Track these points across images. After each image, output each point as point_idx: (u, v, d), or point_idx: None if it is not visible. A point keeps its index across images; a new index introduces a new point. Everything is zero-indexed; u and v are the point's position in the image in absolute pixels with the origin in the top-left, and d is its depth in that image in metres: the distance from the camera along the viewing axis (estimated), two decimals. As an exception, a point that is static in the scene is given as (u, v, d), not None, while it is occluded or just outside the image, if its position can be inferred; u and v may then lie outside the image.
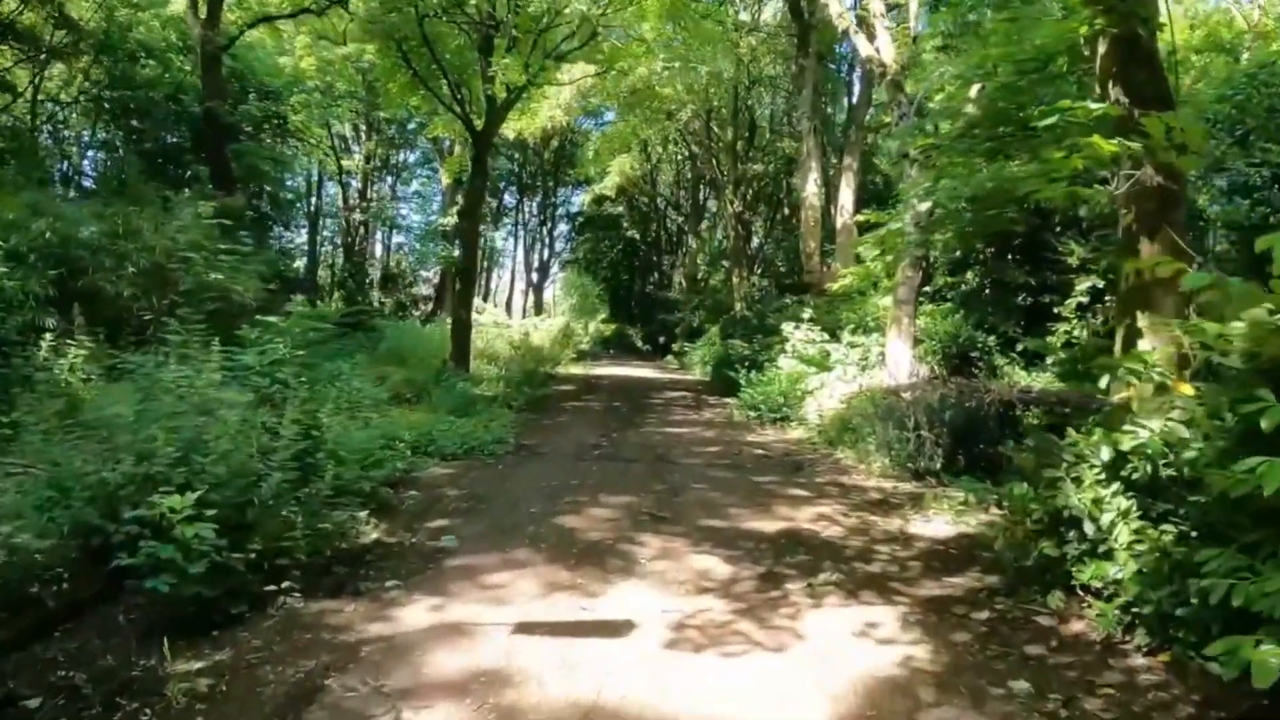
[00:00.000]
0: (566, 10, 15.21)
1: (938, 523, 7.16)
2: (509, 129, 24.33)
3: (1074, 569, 5.22)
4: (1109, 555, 5.10)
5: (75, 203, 13.38)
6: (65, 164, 23.26)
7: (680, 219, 40.99)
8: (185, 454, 5.04)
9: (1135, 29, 6.60)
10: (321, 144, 29.89)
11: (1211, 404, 4.59)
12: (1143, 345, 6.51)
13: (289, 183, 31.94)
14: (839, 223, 19.99)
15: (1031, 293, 12.75)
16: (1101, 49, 6.96)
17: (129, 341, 9.66)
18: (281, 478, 5.11)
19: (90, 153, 24.00)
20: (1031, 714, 3.78)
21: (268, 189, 23.28)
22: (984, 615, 5.04)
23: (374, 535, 6.20)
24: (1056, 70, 8.06)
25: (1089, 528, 5.10)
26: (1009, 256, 13.32)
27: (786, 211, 32.31)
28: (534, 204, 47.79)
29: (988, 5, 11.15)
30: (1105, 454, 5.11)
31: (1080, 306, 11.65)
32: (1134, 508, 4.97)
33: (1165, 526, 4.77)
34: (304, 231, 32.84)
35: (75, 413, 6.07)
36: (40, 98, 20.69)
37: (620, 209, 43.91)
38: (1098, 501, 5.14)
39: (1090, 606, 5.13)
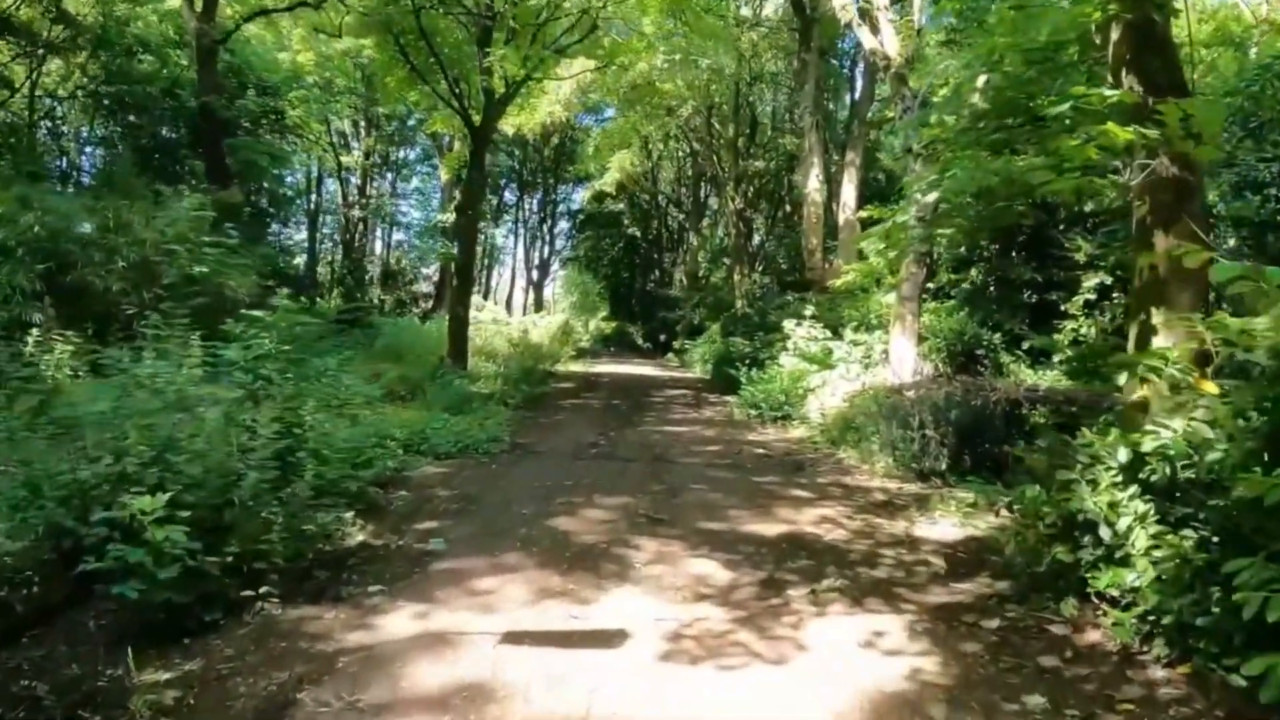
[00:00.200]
0: (566, 3, 15.01)
1: (944, 525, 6.93)
2: (508, 125, 24.12)
3: (1089, 575, 5.00)
4: (1126, 561, 4.88)
5: (66, 197, 13.17)
6: (64, 160, 23.12)
7: (681, 216, 40.77)
8: (159, 453, 4.82)
9: (1150, 15, 6.38)
10: (320, 140, 29.71)
11: (1237, 403, 4.38)
12: (1158, 342, 6.28)
13: (289, 179, 31.87)
14: (841, 219, 19.77)
15: (1037, 290, 12.54)
16: (1115, 35, 6.74)
17: (117, 337, 9.48)
18: (259, 478, 4.88)
19: (89, 149, 23.90)
20: (1049, 732, 3.56)
21: (265, 184, 23.14)
22: (994, 623, 4.81)
23: (360, 537, 5.97)
24: (1067, 59, 7.83)
25: (1105, 532, 4.87)
26: (1014, 253, 13.11)
27: (788, 208, 32.09)
28: (534, 201, 47.60)
29: (991, -3, 10.92)
30: (1123, 455, 4.89)
31: (1088, 303, 11.44)
32: (1152, 511, 4.76)
33: (1185, 532, 4.55)
34: (304, 228, 32.72)
35: (48, 409, 5.86)
36: (38, 93, 20.59)
37: (621, 206, 43.72)
38: (1114, 505, 4.91)
39: (1105, 614, 4.91)
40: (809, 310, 15.56)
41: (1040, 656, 4.41)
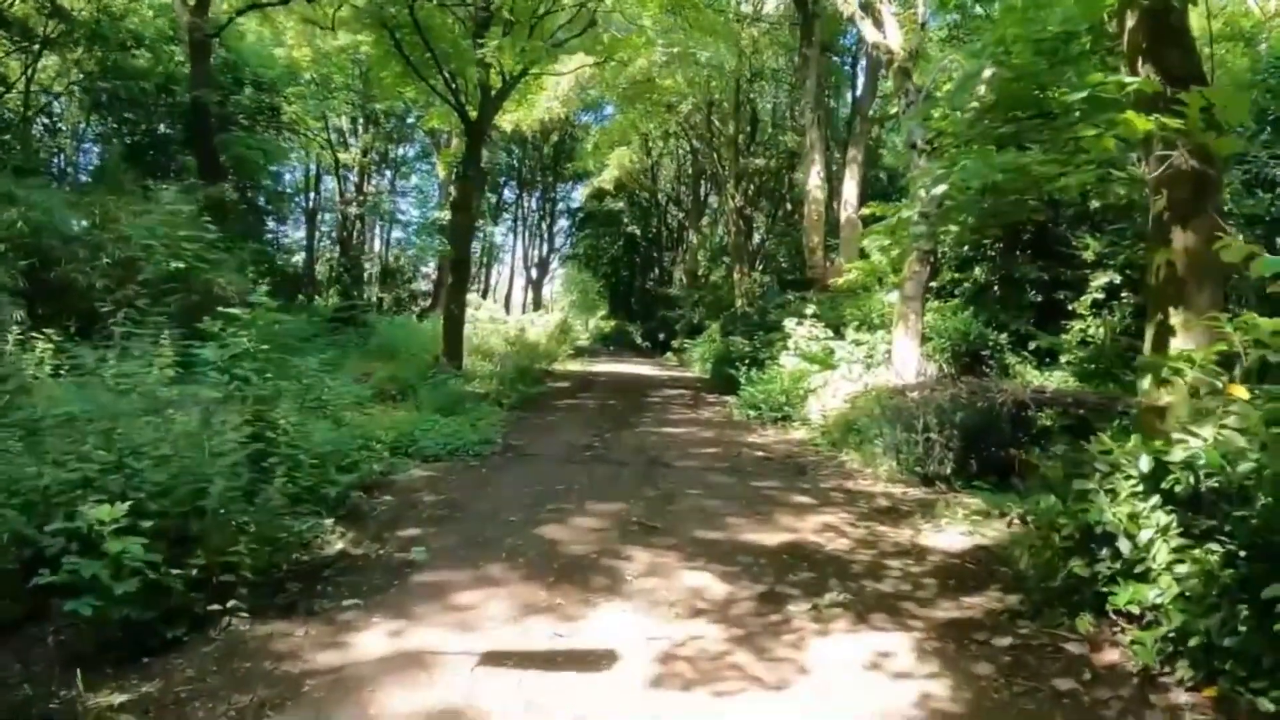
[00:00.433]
0: (564, -3, 14.80)
1: (951, 533, 6.65)
2: (506, 121, 23.84)
3: (1107, 590, 4.73)
4: (1146, 576, 4.60)
5: (50, 192, 12.89)
6: (60, 157, 22.89)
7: (681, 215, 40.48)
8: (121, 458, 4.54)
9: (1167, 2, 6.11)
10: (318, 137, 29.42)
11: (1271, 410, 4.10)
12: (1176, 343, 6.03)
13: (286, 176, 31.63)
14: (842, 217, 19.48)
15: (1043, 289, 12.25)
16: (1130, 23, 6.47)
17: (100, 335, 9.22)
18: (226, 485, 4.59)
19: (86, 145, 23.68)
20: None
21: (258, 181, 22.86)
22: (1007, 642, 4.52)
23: (339, 545, 5.68)
24: (1079, 48, 7.55)
25: (1124, 545, 4.60)
26: (1018, 251, 12.81)
27: (788, 207, 31.82)
28: (534, 199, 47.33)
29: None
30: (1145, 464, 4.60)
31: (1096, 303, 11.15)
32: (1174, 523, 4.49)
33: (1211, 546, 4.28)
34: (303, 226, 32.40)
35: (14, 410, 5.57)
36: (33, 89, 20.38)
37: (621, 205, 43.46)
38: (1134, 516, 4.64)
39: (1123, 632, 4.63)
40: (810, 309, 15.26)
41: (1056, 679, 4.13)
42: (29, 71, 19.88)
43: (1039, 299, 12.38)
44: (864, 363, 12.82)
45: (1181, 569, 4.30)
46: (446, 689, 3.67)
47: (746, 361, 15.74)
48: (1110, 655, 4.46)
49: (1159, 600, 4.33)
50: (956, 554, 6.08)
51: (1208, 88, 5.63)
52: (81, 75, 20.86)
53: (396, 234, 37.74)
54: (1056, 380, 10.85)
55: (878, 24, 13.53)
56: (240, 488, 4.82)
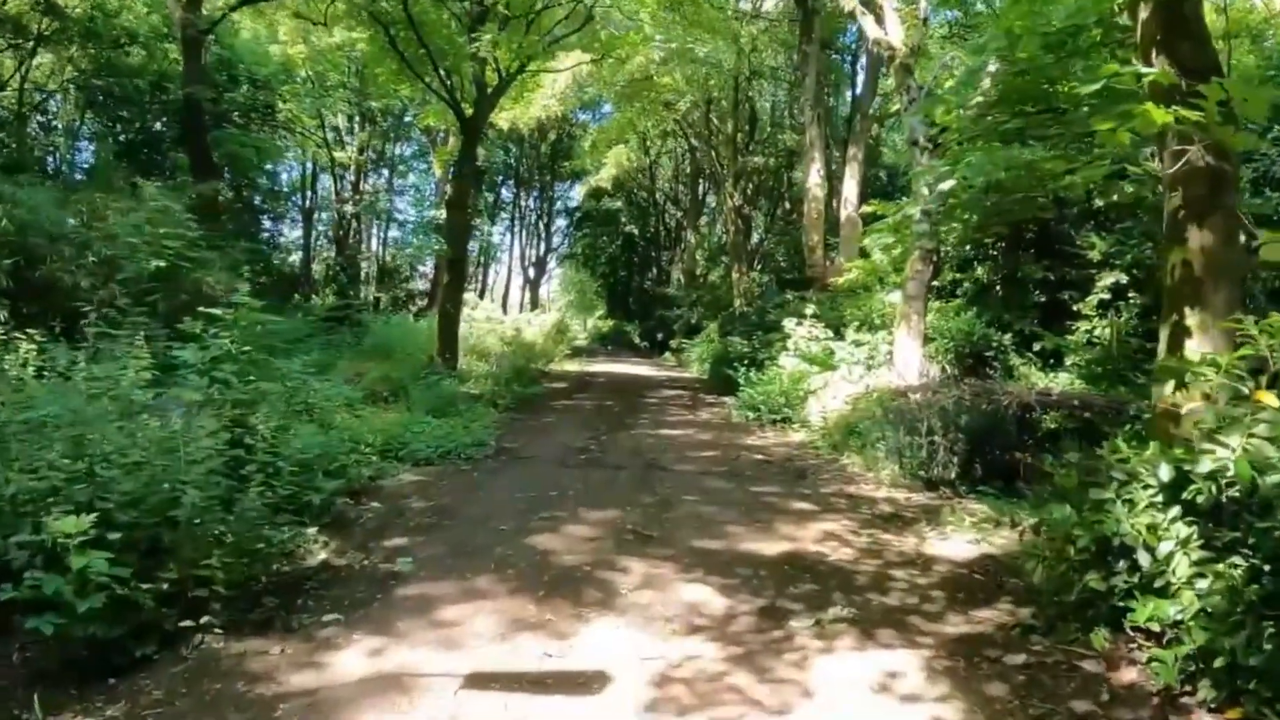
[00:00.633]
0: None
1: (957, 541, 6.42)
2: (503, 119, 23.68)
3: (1123, 605, 4.51)
4: (1166, 591, 4.39)
5: (37, 190, 12.64)
6: (55, 155, 22.66)
7: (679, 214, 40.25)
8: (90, 466, 4.31)
9: (1181, -8, 5.90)
10: (313, 135, 29.17)
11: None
12: (1192, 345, 5.83)
13: (282, 175, 31.39)
14: (843, 215, 19.28)
15: (1047, 289, 12.03)
16: (1143, 15, 6.24)
17: (85, 335, 8.98)
18: (199, 494, 4.36)
19: (82, 143, 23.48)
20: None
21: (251, 178, 22.64)
22: (1020, 659, 4.31)
23: (321, 555, 5.46)
24: (1089, 41, 7.35)
25: (1144, 558, 4.38)
26: (1022, 250, 12.59)
27: (787, 206, 31.63)
28: (531, 198, 47.06)
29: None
30: (1165, 473, 4.39)
31: (1102, 304, 10.92)
32: (1195, 535, 4.27)
33: (1234, 559, 4.07)
34: (300, 225, 32.12)
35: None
36: (27, 86, 20.20)
37: (619, 204, 43.24)
38: (1153, 528, 4.42)
39: (1141, 648, 4.42)
40: (810, 308, 15.03)
41: (1073, 700, 3.92)
42: (24, 69, 19.68)
43: (1042, 299, 12.17)
44: (865, 364, 12.61)
45: (1203, 584, 4.09)
46: (427, 715, 3.45)
47: (745, 362, 15.51)
48: (1128, 674, 4.25)
49: (1180, 617, 4.12)
50: (964, 564, 5.86)
51: (1217, 83, 5.44)
52: (76, 73, 20.72)
53: (394, 233, 37.50)
54: (1062, 382, 10.64)
55: (879, 20, 13.30)
56: (216, 496, 4.59)
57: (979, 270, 13.30)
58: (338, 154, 30.98)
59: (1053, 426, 9.46)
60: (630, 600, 4.83)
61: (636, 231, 45.26)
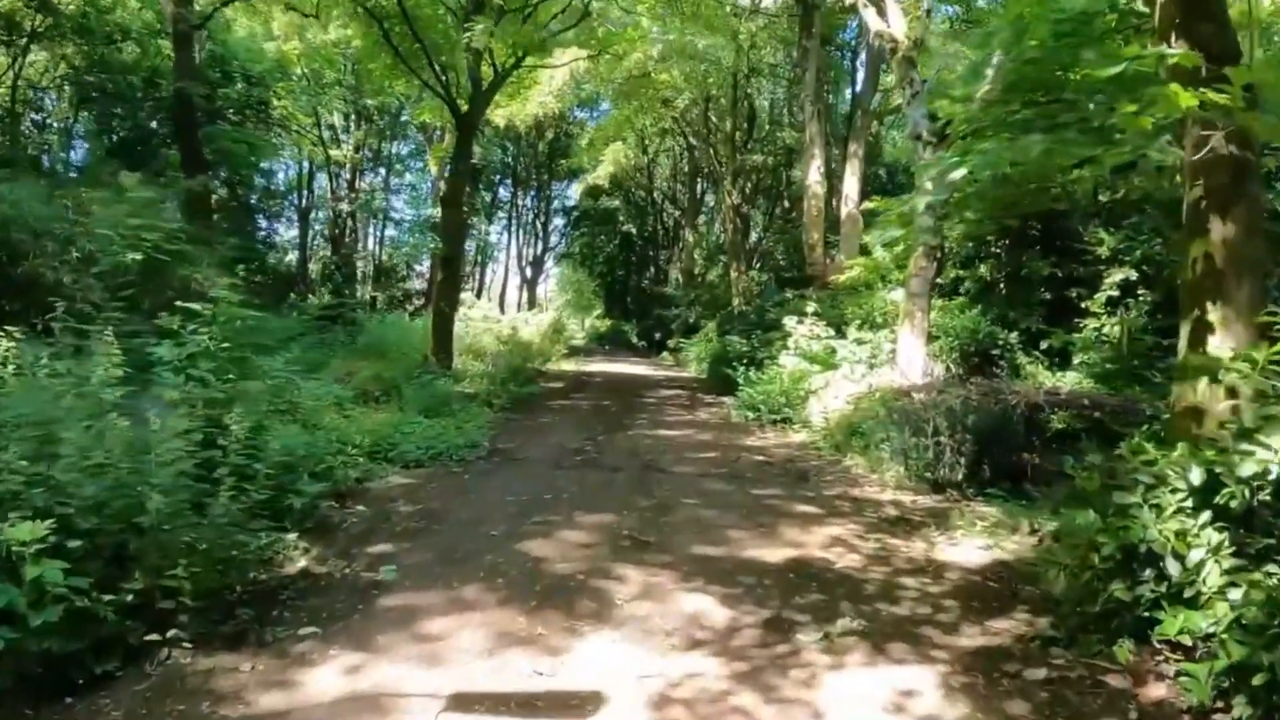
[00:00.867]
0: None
1: (967, 546, 6.16)
2: (499, 115, 23.42)
3: (1149, 616, 4.25)
4: (1195, 601, 4.14)
5: (21, 184, 12.35)
6: (49, 153, 22.40)
7: (677, 213, 39.98)
8: (48, 470, 4.03)
9: (1203, -28, 5.66)
10: (309, 133, 28.89)
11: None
12: (1214, 341, 5.58)
13: (278, 174, 31.12)
14: (843, 212, 19.02)
15: (1053, 285, 11.76)
16: (1161, -1, 6.00)
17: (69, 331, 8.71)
18: (166, 499, 4.09)
19: (77, 140, 23.19)
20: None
21: (243, 175, 22.36)
22: (1041, 674, 4.04)
23: (301, 563, 5.18)
24: (1104, 26, 7.08)
25: (1173, 567, 4.12)
26: (1025, 246, 12.32)
27: (786, 204, 31.38)
28: (528, 197, 46.75)
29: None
30: (1196, 476, 4.14)
31: (1111, 300, 10.66)
32: (1226, 542, 4.02)
33: (1269, 568, 3.82)
34: (296, 224, 31.90)
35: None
36: (20, 83, 19.98)
37: (616, 203, 42.97)
38: (1182, 534, 4.17)
39: (1168, 661, 4.17)
40: (811, 307, 14.75)
41: (1100, 718, 3.65)
42: (17, 66, 19.46)
43: (1047, 296, 11.91)
44: (867, 363, 12.34)
45: (1236, 594, 3.85)
46: (405, 740, 3.18)
47: (744, 361, 15.23)
48: (1156, 690, 4.00)
49: (1213, 630, 3.87)
50: (976, 570, 5.59)
51: (1244, 66, 5.19)
52: (69, 70, 20.53)
53: (390, 232, 37.25)
54: (1070, 381, 10.38)
55: (880, 12, 13.03)
56: (185, 501, 4.31)
57: (982, 267, 13.04)
58: (334, 152, 30.72)
59: (1061, 427, 9.22)
60: (627, 612, 4.54)
61: (634, 230, 44.98)
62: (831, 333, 14.12)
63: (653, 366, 27.47)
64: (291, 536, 5.39)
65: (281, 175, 32.16)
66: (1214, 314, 5.55)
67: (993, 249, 13.13)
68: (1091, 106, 6.20)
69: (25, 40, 18.69)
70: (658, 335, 35.33)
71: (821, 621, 4.47)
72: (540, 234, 47.90)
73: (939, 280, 12.86)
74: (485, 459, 9.01)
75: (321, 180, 33.02)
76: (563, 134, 39.09)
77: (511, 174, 43.09)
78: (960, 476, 8.05)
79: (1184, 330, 5.79)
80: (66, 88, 21.48)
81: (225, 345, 5.78)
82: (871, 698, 3.67)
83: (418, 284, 35.10)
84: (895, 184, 23.95)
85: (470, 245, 38.22)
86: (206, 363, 5.54)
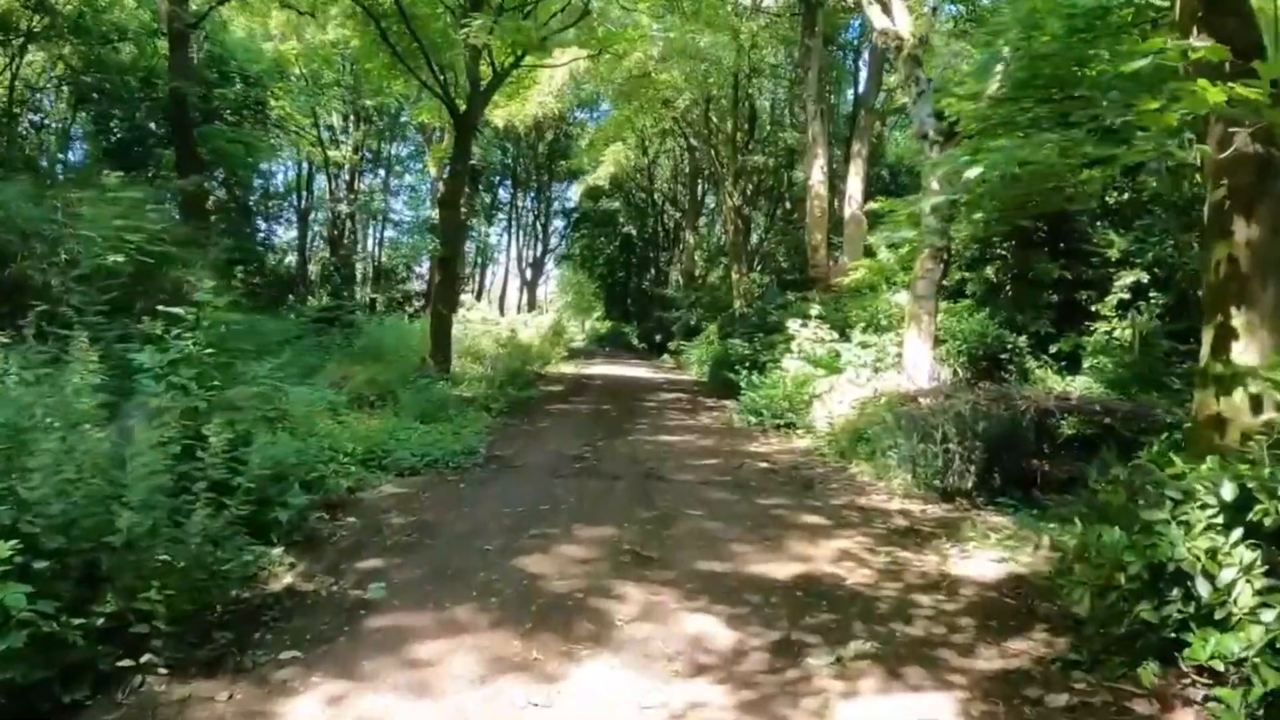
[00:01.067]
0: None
1: (980, 559, 5.93)
2: (498, 116, 23.22)
3: (1176, 637, 4.04)
4: (1226, 623, 3.92)
5: (8, 185, 12.14)
6: (46, 154, 22.24)
7: (678, 214, 39.77)
8: (10, 486, 3.81)
9: (1225, -37, 5.45)
10: (307, 134, 28.70)
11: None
12: (1239, 348, 5.37)
13: (279, 176, 30.95)
14: (846, 213, 18.81)
15: (1061, 288, 11.55)
16: (1183, -10, 5.79)
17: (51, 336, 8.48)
18: (137, 516, 3.87)
19: (76, 142, 23.06)
20: None
21: (241, 176, 22.19)
22: (1064, 700, 3.82)
23: (287, 579, 4.95)
24: (1119, 21, 6.87)
25: (1203, 588, 3.90)
26: (1032, 248, 12.09)
27: (788, 205, 31.16)
28: (528, 199, 46.55)
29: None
30: (1228, 491, 3.92)
31: (1122, 304, 10.45)
32: (1259, 561, 3.81)
33: (1305, 589, 3.60)
34: (295, 226, 31.72)
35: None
36: (18, 84, 19.85)
37: (617, 204, 42.76)
38: (1213, 553, 3.95)
39: (1195, 684, 3.95)
40: (815, 309, 14.53)
41: (1128, 751, 3.44)
42: (14, 66, 19.33)
43: (1055, 299, 11.70)
44: (872, 366, 12.11)
45: (1269, 615, 3.63)
46: (389, 781, 2.96)
47: (746, 364, 15.01)
48: (1184, 716, 3.79)
49: (1245, 654, 3.65)
50: (991, 585, 5.36)
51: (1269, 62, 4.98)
52: (67, 70, 20.40)
53: (390, 234, 37.06)
54: (1079, 386, 10.17)
55: (886, 9, 12.81)
56: (162, 517, 4.09)
57: (988, 269, 12.83)
58: (332, 153, 30.53)
59: (1071, 433, 9.01)
60: (627, 634, 4.30)
61: (635, 232, 44.76)
62: (835, 336, 13.91)
63: (653, 369, 27.24)
64: (277, 551, 5.17)
65: (281, 177, 32.08)
66: (1238, 319, 5.35)
67: (998, 250, 12.93)
68: (1105, 104, 6.02)
69: (21, 40, 18.57)
70: (658, 337, 35.11)
71: (833, 643, 4.24)
72: (540, 235, 47.74)
73: (943, 282, 12.66)
74: (482, 466, 8.77)
75: (321, 182, 32.87)
76: (563, 135, 38.91)
77: (511, 175, 42.92)
78: (970, 485, 7.84)
79: (1206, 336, 5.58)
80: (64, 88, 21.40)
81: (209, 351, 5.54)
82: (887, 729, 3.45)
83: (418, 286, 34.92)
84: (898, 185, 23.74)
85: (470, 247, 38.09)
86: (188, 369, 5.31)
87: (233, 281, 21.01)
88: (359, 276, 32.94)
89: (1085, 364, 10.59)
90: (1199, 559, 3.93)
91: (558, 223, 49.55)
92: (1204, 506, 4.06)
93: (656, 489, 7.92)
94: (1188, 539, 4.00)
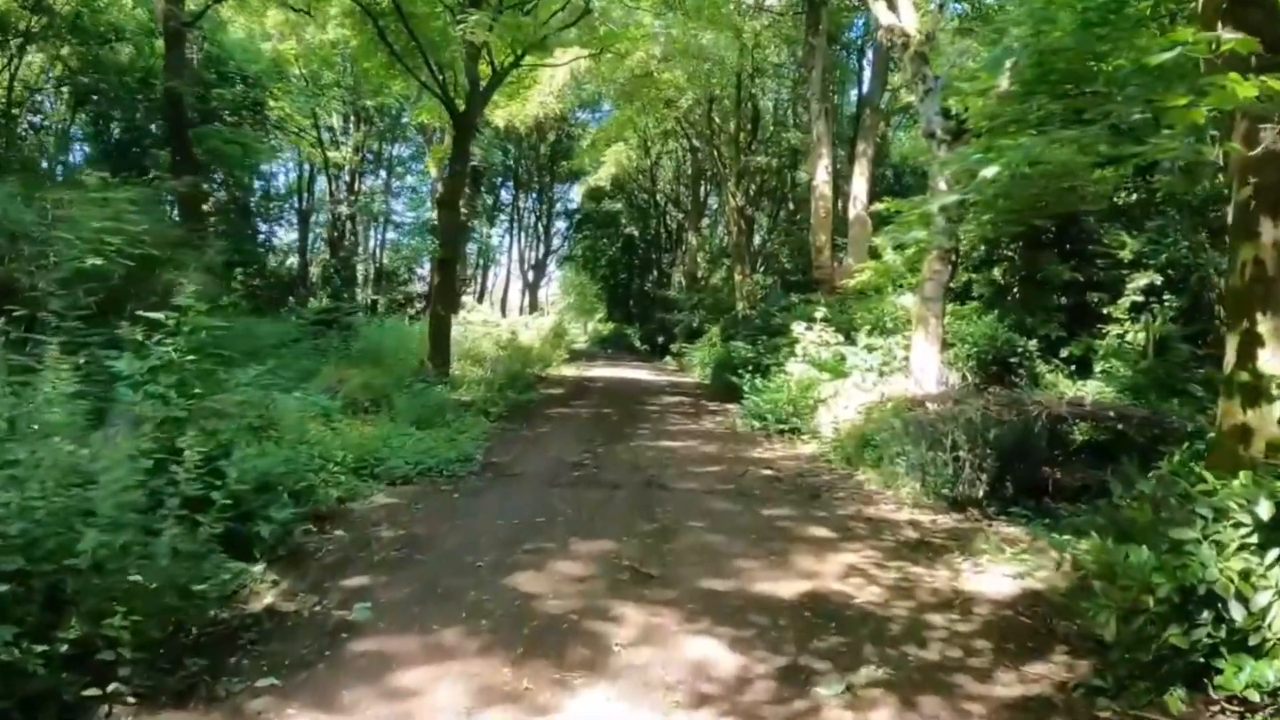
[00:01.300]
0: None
1: (994, 574, 5.69)
2: (499, 116, 23.02)
3: (1206, 662, 3.81)
4: (1261, 649, 3.70)
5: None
6: (46, 154, 22.09)
7: (680, 215, 39.54)
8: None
9: (1251, -48, 5.22)
10: (307, 135, 28.52)
11: None
12: (1265, 355, 5.14)
13: (280, 178, 30.78)
14: (851, 213, 18.56)
15: (1071, 290, 11.28)
16: (1206, -19, 5.56)
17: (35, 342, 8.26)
18: (102, 536, 3.64)
19: (77, 144, 22.95)
20: None
21: (238, 176, 22.03)
22: (1089, 731, 3.59)
23: (268, 598, 4.71)
24: (1137, 15, 6.62)
25: (1235, 611, 3.67)
26: (1040, 250, 11.83)
27: (791, 206, 30.93)
28: (530, 200, 46.34)
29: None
30: (1265, 510, 3.69)
31: (1135, 306, 10.18)
32: (1294, 583, 3.58)
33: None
34: (297, 228, 31.54)
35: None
36: (17, 85, 19.74)
37: (619, 205, 42.54)
38: (1247, 575, 3.72)
39: (1224, 713, 3.73)
40: (820, 311, 14.28)
41: (1160, 786, 3.20)
42: (13, 67, 19.23)
43: (1065, 301, 11.44)
44: (878, 370, 11.85)
45: (1306, 642, 3.40)
46: (363, 831, 2.72)
47: (750, 368, 14.76)
48: (1217, 750, 3.55)
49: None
50: (1007, 603, 5.12)
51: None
52: (65, 71, 20.28)
53: (392, 235, 36.88)
54: (1091, 391, 9.91)
55: (891, 6, 12.56)
56: (131, 536, 3.86)
57: (995, 271, 12.57)
58: (333, 154, 30.35)
59: (1083, 439, 8.77)
60: (624, 660, 4.04)
61: (637, 233, 44.51)
62: (840, 339, 13.65)
63: (655, 371, 26.98)
64: (259, 568, 4.93)
65: (282, 179, 31.92)
66: (1264, 324, 5.12)
67: (1005, 252, 12.67)
68: (1122, 99, 5.79)
69: (20, 41, 18.45)
70: (660, 339, 34.86)
71: (843, 669, 4.00)
72: (542, 237, 47.51)
73: (950, 285, 12.40)
74: (478, 474, 8.52)
75: (322, 183, 32.70)
76: (564, 136, 38.70)
77: (513, 176, 42.71)
78: (981, 494, 7.59)
79: (1231, 342, 5.35)
80: (64, 90, 21.36)
81: (191, 357, 5.31)
82: (903, 768, 3.21)
83: (419, 287, 34.73)
84: (903, 185, 23.50)
85: (472, 248, 37.88)
86: (168, 377, 5.08)
87: (232, 284, 20.97)
88: (360, 278, 32.73)
89: (1097, 368, 10.32)
90: (1232, 581, 3.71)
91: (560, 224, 49.38)
92: (1238, 525, 3.84)
93: (658, 498, 7.66)
94: (1220, 559, 3.78)
